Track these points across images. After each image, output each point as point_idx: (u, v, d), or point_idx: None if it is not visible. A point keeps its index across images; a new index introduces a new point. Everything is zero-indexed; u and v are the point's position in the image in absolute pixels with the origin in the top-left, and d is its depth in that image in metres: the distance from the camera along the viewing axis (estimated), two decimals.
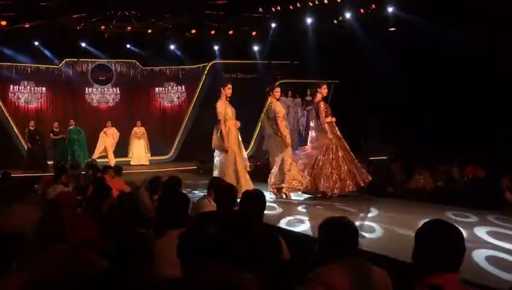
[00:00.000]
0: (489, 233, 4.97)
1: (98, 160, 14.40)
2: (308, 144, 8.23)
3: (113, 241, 2.82)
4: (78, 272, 2.95)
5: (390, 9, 12.74)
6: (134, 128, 16.06)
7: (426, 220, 2.34)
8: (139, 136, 16.01)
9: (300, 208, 6.88)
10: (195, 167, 12.56)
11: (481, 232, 5.03)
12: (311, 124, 8.26)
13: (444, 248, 2.17)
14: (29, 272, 2.73)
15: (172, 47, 16.66)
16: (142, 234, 3.06)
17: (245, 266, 2.51)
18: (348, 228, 2.68)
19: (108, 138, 15.53)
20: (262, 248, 3.35)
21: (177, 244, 2.58)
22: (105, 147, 15.42)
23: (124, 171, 9.29)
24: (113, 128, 15.71)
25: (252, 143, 16.33)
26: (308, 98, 15.54)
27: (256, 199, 3.66)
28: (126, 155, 16.01)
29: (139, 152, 15.99)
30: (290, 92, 16.39)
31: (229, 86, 7.94)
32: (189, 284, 2.46)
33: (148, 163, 15.84)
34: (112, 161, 14.90)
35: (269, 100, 8.19)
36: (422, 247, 2.23)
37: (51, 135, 14.43)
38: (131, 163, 15.59)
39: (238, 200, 3.89)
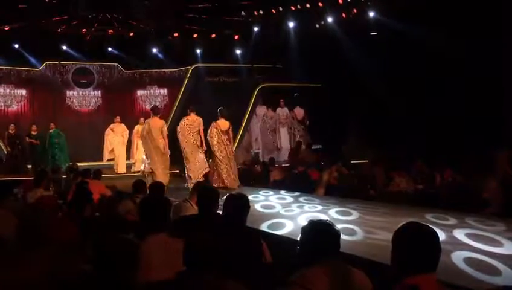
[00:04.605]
0: (468, 235, 5.02)
1: (109, 162, 13.98)
2: None
3: (95, 246, 2.82)
4: (59, 276, 2.93)
5: (371, 14, 12.95)
6: (137, 127, 13.50)
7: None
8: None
9: (283, 211, 6.89)
10: (177, 171, 12.48)
11: (460, 234, 5.07)
12: None
13: (419, 249, 2.22)
14: (10, 276, 2.71)
15: (154, 50, 16.55)
16: (125, 238, 3.06)
17: (227, 270, 2.53)
18: (329, 231, 2.71)
19: (116, 137, 13.91)
20: (245, 251, 3.36)
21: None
22: (113, 148, 13.91)
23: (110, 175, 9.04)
24: (122, 125, 14.18)
25: (235, 146, 16.28)
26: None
27: (240, 203, 3.68)
28: (128, 158, 14.08)
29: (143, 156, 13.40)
30: (282, 101, 16.36)
31: None
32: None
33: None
34: (122, 166, 13.76)
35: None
36: (399, 249, 2.28)
37: (27, 138, 13.79)
38: (134, 169, 13.44)
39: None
